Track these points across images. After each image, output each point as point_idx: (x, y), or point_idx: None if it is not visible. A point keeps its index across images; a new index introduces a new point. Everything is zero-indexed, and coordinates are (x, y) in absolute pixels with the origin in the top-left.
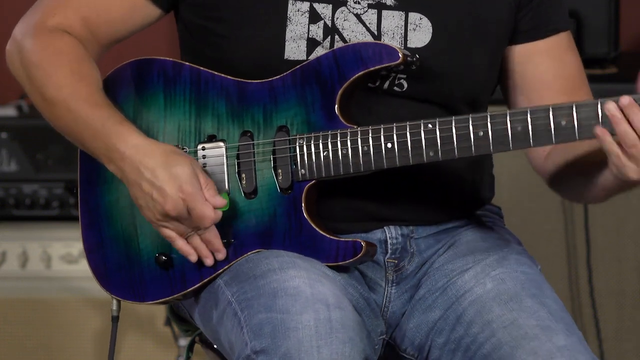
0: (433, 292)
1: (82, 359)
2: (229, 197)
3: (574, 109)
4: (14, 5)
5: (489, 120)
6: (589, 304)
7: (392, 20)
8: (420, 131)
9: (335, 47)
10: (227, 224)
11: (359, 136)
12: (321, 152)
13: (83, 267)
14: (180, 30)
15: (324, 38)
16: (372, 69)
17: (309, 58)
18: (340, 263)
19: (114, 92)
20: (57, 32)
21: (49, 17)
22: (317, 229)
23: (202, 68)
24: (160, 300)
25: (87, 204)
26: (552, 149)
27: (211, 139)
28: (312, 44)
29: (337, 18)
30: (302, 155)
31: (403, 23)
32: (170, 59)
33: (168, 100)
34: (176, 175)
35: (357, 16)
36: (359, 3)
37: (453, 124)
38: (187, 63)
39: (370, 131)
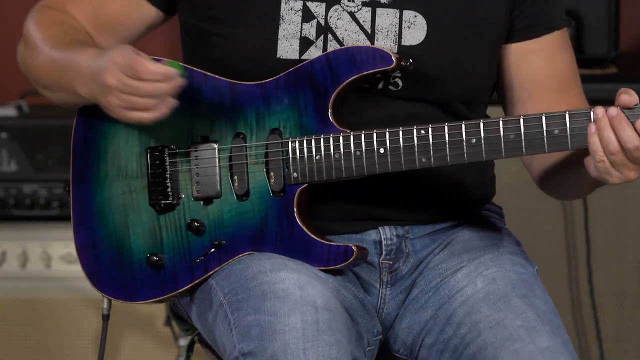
0: (426, 291)
1: (81, 358)
2: (182, 69)
3: (567, 117)
4: (14, 4)
5: (481, 127)
6: (589, 304)
7: (387, 18)
8: (413, 137)
9: (328, 46)
10: (219, 226)
11: (351, 140)
12: (314, 155)
13: None
14: (180, 31)
15: (317, 37)
16: (365, 73)
17: (302, 57)
18: (331, 267)
19: None
20: (62, 12)
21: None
22: (308, 232)
23: (195, 68)
24: (151, 300)
25: (79, 201)
26: None
27: (204, 140)
28: (305, 42)
29: (331, 17)
30: (294, 158)
31: (397, 21)
32: (164, 59)
33: None
34: (110, 52)
35: (351, 14)
36: (352, 1)
37: (446, 131)
38: (180, 63)
39: (362, 136)
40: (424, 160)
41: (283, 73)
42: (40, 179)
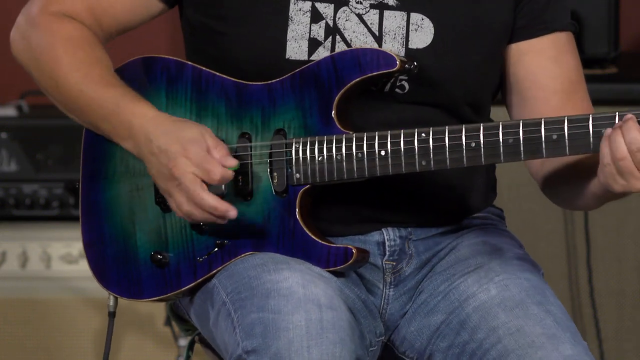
0: (435, 296)
1: (81, 358)
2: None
3: (565, 123)
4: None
5: (481, 131)
6: (589, 304)
7: (394, 21)
8: (414, 140)
9: (336, 48)
10: (223, 225)
11: (353, 142)
12: (316, 157)
13: (83, 267)
14: (184, 27)
15: (326, 38)
16: (369, 75)
17: (311, 58)
18: (331, 269)
19: None
20: (64, 17)
21: (55, 4)
22: (309, 233)
23: (203, 68)
24: (156, 298)
25: (87, 198)
26: None
27: None
28: (313, 43)
29: (339, 18)
30: (297, 159)
31: (405, 23)
32: (174, 58)
33: (170, 98)
34: (182, 137)
35: (359, 16)
36: (360, 3)
37: (446, 134)
38: (189, 62)
39: (365, 138)
40: (424, 163)
41: (289, 74)
42: (40, 179)
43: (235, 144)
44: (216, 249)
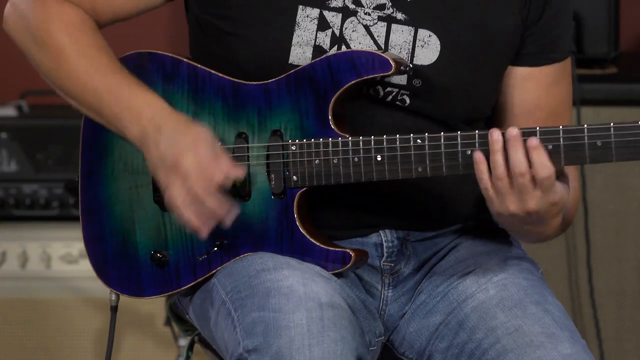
0: (434, 296)
1: (81, 358)
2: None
3: (561, 133)
4: None
5: (477, 138)
6: (589, 304)
7: (401, 35)
8: (410, 146)
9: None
10: (220, 225)
11: (350, 146)
12: (313, 159)
13: (83, 267)
14: (189, 20)
15: (331, 47)
16: (364, 77)
17: (311, 62)
18: (329, 272)
19: None
20: (64, 1)
21: None
22: (307, 236)
23: (199, 65)
24: (155, 297)
25: (87, 195)
26: None
27: None
28: (318, 51)
29: (346, 28)
30: (294, 161)
31: (412, 39)
32: (169, 54)
33: (166, 96)
34: (193, 132)
35: (366, 27)
36: (369, 15)
37: (442, 141)
38: (185, 60)
39: (361, 142)
40: (420, 169)
41: (284, 74)
42: (40, 179)
43: (232, 144)
44: (216, 249)
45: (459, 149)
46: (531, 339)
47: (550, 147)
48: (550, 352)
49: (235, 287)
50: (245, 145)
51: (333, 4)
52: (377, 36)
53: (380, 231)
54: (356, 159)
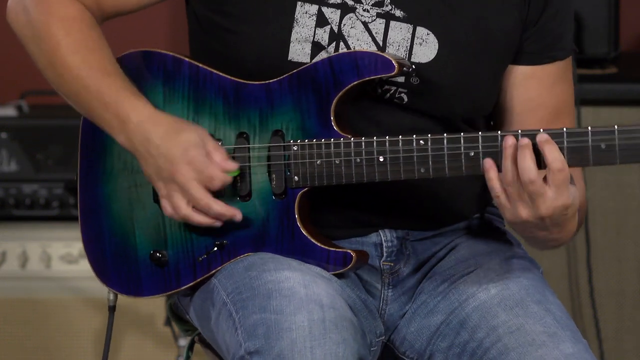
0: (434, 296)
1: (81, 358)
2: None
3: (565, 136)
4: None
5: (480, 141)
6: (589, 304)
7: (399, 33)
8: (413, 148)
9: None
10: (222, 225)
11: (352, 147)
12: (315, 160)
13: (83, 267)
14: (189, 16)
15: (329, 43)
16: (367, 78)
17: (313, 61)
18: (330, 272)
19: None
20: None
21: None
22: (308, 237)
23: (200, 65)
24: (155, 296)
25: (86, 194)
26: None
27: None
28: (316, 47)
29: (344, 24)
30: (295, 162)
31: (410, 36)
32: (170, 53)
33: (167, 95)
34: (182, 141)
35: (365, 24)
36: (367, 11)
37: (445, 143)
38: (186, 59)
39: (363, 143)
40: (422, 170)
41: (287, 74)
42: (40, 179)
43: (233, 144)
44: (215, 249)
45: (462, 150)
46: (533, 338)
47: None
48: (552, 351)
49: (236, 288)
50: (247, 145)
51: (332, 0)
52: (376, 33)
53: (380, 231)
54: (358, 160)
